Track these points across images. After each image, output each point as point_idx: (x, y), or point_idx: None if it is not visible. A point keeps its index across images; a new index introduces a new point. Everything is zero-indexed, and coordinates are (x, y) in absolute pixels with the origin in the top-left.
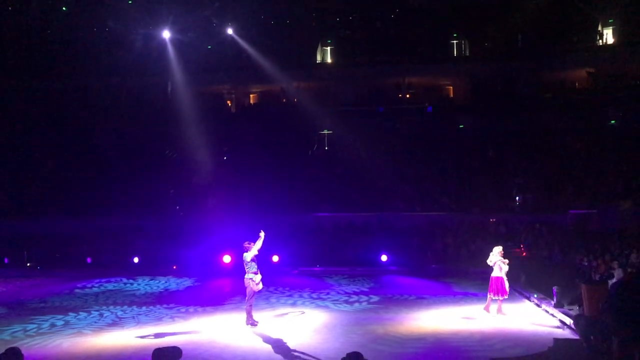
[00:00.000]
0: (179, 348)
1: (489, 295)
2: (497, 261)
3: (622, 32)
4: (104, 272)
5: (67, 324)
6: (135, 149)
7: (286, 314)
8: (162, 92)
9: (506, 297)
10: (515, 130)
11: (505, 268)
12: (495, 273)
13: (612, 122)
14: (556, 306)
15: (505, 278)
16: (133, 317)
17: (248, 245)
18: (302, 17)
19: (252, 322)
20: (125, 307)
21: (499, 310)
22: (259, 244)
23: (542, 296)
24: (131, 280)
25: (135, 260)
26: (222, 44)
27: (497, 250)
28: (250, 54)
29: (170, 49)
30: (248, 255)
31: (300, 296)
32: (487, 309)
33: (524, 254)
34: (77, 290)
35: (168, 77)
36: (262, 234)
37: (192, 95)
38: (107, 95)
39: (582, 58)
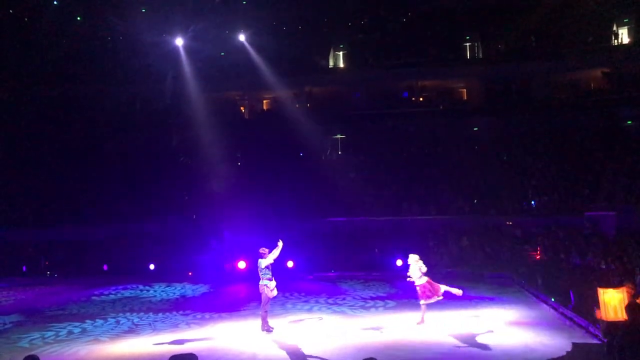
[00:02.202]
0: (195, 355)
1: (428, 301)
2: (418, 268)
3: (638, 32)
4: (120, 279)
5: (84, 331)
6: (149, 156)
7: (302, 319)
8: (175, 99)
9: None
10: (530, 132)
11: (424, 269)
12: (420, 281)
13: (629, 122)
14: (574, 310)
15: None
16: (149, 324)
17: (263, 252)
18: (313, 23)
19: (267, 328)
20: (142, 313)
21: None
22: (276, 252)
23: (559, 300)
24: (147, 287)
25: (151, 267)
26: (235, 50)
27: (415, 258)
28: (260, 61)
29: (183, 56)
30: (263, 262)
31: (317, 302)
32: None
33: (539, 257)
34: (94, 298)
35: (181, 83)
36: (280, 244)
37: (206, 101)
38: (121, 103)
39: (597, 58)
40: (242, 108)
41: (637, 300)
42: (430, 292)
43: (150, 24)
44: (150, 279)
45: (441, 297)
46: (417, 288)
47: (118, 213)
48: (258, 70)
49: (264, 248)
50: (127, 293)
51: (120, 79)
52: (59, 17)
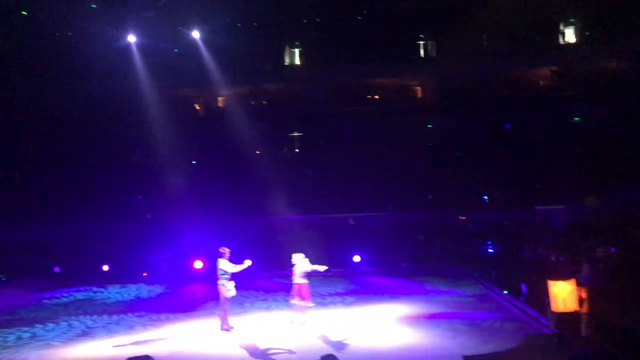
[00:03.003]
0: (151, 357)
1: (302, 303)
2: (304, 267)
3: (584, 31)
4: (72, 281)
5: (34, 336)
6: (102, 155)
7: (261, 318)
8: (128, 96)
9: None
10: (483, 129)
11: (308, 269)
12: (300, 280)
13: (576, 119)
14: (526, 302)
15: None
16: (104, 327)
17: (223, 251)
18: (269, 20)
19: (226, 328)
20: (96, 316)
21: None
22: (239, 267)
23: (512, 292)
24: (101, 289)
25: (105, 268)
26: (189, 47)
27: (300, 257)
28: (215, 59)
29: (135, 52)
30: (223, 262)
31: (275, 300)
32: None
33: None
34: (44, 301)
35: (133, 81)
36: (247, 262)
37: (159, 99)
38: (71, 101)
39: (546, 57)
40: (197, 106)
41: (582, 294)
42: (303, 295)
43: (101, 20)
44: (104, 280)
45: (309, 305)
46: (294, 286)
47: (70, 213)
48: (213, 67)
49: (224, 247)
50: (80, 295)
51: (69, 77)
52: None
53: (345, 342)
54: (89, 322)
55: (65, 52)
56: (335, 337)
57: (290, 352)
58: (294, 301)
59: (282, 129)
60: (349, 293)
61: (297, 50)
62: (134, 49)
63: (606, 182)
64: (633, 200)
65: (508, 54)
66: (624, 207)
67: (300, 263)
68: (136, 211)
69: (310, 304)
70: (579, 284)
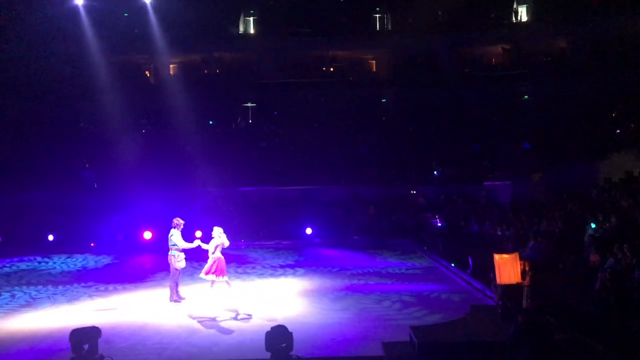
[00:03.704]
0: (97, 328)
1: (220, 279)
2: (220, 243)
3: (535, 10)
4: (15, 251)
5: None
6: (48, 121)
7: (210, 289)
8: (76, 60)
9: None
10: (436, 105)
11: (227, 245)
12: (217, 254)
13: (525, 97)
14: (472, 274)
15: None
16: (48, 297)
17: (177, 223)
18: None
19: (176, 299)
20: (40, 287)
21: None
22: (189, 245)
23: (458, 265)
24: (46, 259)
25: (50, 237)
26: (139, 11)
27: (219, 231)
28: (167, 24)
29: (83, 15)
30: (175, 235)
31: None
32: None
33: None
34: None
35: (81, 45)
36: (198, 234)
37: (108, 65)
38: (15, 65)
39: (498, 34)
40: (147, 72)
41: (525, 267)
42: (219, 271)
43: None
44: (49, 250)
45: (220, 281)
46: (211, 261)
47: (13, 180)
48: (164, 33)
49: (178, 218)
50: (23, 265)
51: (12, 39)
52: None
53: (295, 313)
54: (33, 293)
55: (8, 14)
56: (286, 308)
57: (241, 321)
58: (210, 277)
59: (236, 99)
60: (300, 265)
61: (251, 19)
62: (82, 11)
63: (551, 160)
64: (576, 178)
65: (462, 30)
66: (567, 184)
67: (219, 237)
68: (83, 179)
69: (226, 279)
70: (522, 258)
